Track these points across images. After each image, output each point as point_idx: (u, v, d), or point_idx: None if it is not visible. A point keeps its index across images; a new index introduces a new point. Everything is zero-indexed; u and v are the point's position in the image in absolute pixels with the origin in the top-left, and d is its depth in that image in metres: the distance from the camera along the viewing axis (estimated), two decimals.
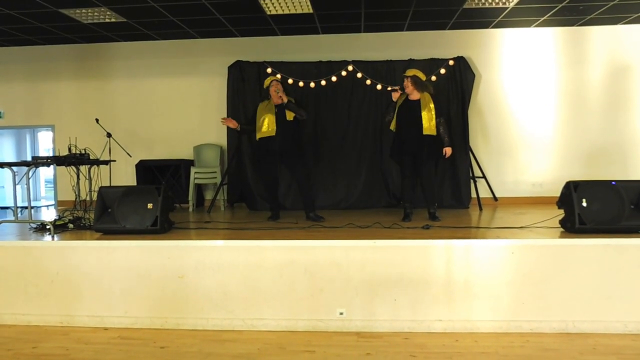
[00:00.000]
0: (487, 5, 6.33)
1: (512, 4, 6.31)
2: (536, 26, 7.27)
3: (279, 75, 6.94)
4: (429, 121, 5.43)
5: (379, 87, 7.16)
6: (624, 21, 7.06)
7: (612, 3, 6.25)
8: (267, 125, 5.61)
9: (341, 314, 4.13)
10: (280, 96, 5.58)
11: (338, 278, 4.13)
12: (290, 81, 7.09)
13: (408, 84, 5.51)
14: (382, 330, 4.08)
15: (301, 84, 7.17)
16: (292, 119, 5.63)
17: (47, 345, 3.91)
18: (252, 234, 4.72)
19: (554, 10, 6.56)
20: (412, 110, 5.48)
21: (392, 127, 5.67)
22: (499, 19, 6.91)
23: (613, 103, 7.33)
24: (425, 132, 5.43)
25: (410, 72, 5.60)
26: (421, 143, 5.47)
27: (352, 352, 3.73)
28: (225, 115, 7.36)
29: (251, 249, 4.23)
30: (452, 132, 7.09)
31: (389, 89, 5.85)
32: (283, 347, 3.82)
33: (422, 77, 5.61)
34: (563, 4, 6.30)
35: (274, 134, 5.59)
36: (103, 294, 4.31)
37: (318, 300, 4.14)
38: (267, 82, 5.86)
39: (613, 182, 4.44)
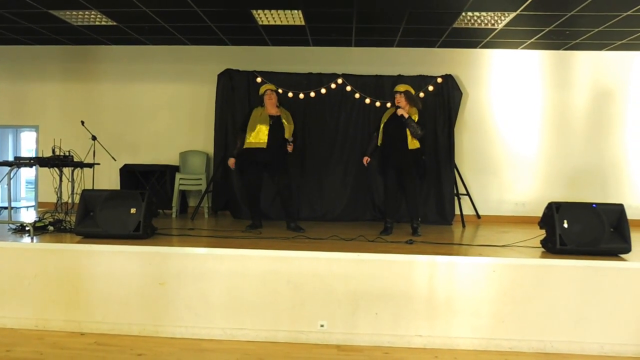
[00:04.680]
0: (476, 25, 6.43)
1: (500, 26, 6.43)
2: (523, 48, 7.41)
3: (280, 91, 6.94)
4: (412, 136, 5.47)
5: (367, 100, 7.22)
6: (608, 47, 7.22)
7: (597, 30, 6.40)
8: (258, 135, 5.54)
9: (322, 326, 4.11)
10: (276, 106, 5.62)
11: (320, 290, 4.12)
12: (279, 91, 7.10)
13: (402, 100, 5.51)
14: (362, 344, 4.07)
15: (290, 94, 7.20)
16: (289, 136, 5.64)
17: (22, 349, 3.84)
18: (236, 242, 4.70)
19: (541, 34, 6.70)
20: (399, 125, 5.50)
21: (378, 142, 5.67)
22: (487, 39, 7.03)
23: (595, 127, 7.48)
24: (410, 146, 5.46)
25: (402, 88, 5.60)
26: (406, 158, 5.51)
27: None
28: (213, 124, 7.38)
29: (234, 257, 4.21)
30: (438, 149, 7.20)
31: (396, 110, 5.56)
32: (262, 358, 3.79)
33: (412, 91, 5.66)
34: (550, 28, 6.44)
35: (264, 146, 5.53)
36: (81, 299, 4.24)
37: (299, 311, 4.13)
38: (262, 89, 5.82)
39: (594, 205, 4.51)
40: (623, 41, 6.88)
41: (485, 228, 6.64)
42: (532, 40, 7.00)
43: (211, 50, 7.69)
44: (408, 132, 5.44)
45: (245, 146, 5.64)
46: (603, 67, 7.45)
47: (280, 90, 7.08)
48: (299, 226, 5.68)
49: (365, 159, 5.79)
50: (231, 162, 5.80)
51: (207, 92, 7.56)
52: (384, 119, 5.65)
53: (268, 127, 5.56)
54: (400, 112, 5.45)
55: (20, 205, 8.71)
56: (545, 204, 4.67)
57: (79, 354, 3.78)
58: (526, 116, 7.55)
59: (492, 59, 7.56)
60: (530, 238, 4.95)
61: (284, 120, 5.67)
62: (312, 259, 4.17)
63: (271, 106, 5.64)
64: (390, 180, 5.66)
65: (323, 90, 7.25)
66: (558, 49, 7.38)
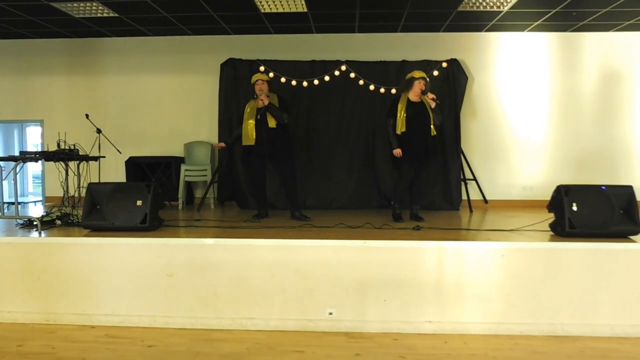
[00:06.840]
0: (481, 8, 6.35)
1: (506, 8, 6.33)
2: (529, 31, 7.31)
3: (271, 74, 6.92)
4: (432, 122, 5.45)
5: (371, 87, 7.16)
6: (616, 28, 7.11)
7: (605, 10, 6.30)
8: (248, 132, 5.46)
9: (331, 314, 4.11)
10: (262, 99, 5.37)
11: (328, 278, 4.11)
12: (283, 80, 7.06)
13: (426, 86, 5.48)
14: (371, 331, 4.07)
15: (294, 82, 7.15)
16: (274, 125, 5.44)
17: (33, 343, 3.85)
18: (243, 232, 4.70)
19: (547, 16, 6.60)
20: (422, 112, 5.43)
21: (399, 130, 5.44)
22: (492, 22, 6.94)
23: (604, 109, 7.39)
24: (432, 133, 5.44)
25: (422, 74, 5.54)
26: (431, 145, 5.50)
27: (341, 352, 3.71)
28: (217, 114, 7.36)
29: (241, 247, 4.21)
30: (444, 134, 7.13)
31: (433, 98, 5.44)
32: (272, 347, 3.79)
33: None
34: (557, 10, 6.34)
35: (253, 143, 5.45)
36: (90, 292, 4.25)
37: (308, 300, 4.12)
38: (253, 78, 5.63)
39: (603, 187, 4.46)
40: (631, 21, 6.77)
41: (493, 213, 6.60)
42: (538, 22, 6.90)
43: (213, 40, 7.63)
44: (432, 119, 5.40)
45: (243, 142, 5.56)
46: (611, 48, 7.34)
47: (283, 79, 7.06)
48: (304, 215, 5.66)
49: (398, 151, 5.41)
50: (219, 144, 5.94)
51: (211, 82, 7.51)
52: (402, 105, 5.46)
53: (254, 122, 5.45)
54: (431, 97, 5.37)
55: (27, 200, 8.77)
56: (554, 188, 4.62)
57: (90, 347, 3.79)
58: (533, 99, 7.46)
59: (498, 42, 7.46)
60: (538, 222, 4.91)
61: (268, 113, 5.47)
62: (319, 247, 4.16)
63: (259, 97, 5.44)
64: (410, 168, 5.55)
65: (327, 78, 7.19)
66: (565, 30, 7.27)
